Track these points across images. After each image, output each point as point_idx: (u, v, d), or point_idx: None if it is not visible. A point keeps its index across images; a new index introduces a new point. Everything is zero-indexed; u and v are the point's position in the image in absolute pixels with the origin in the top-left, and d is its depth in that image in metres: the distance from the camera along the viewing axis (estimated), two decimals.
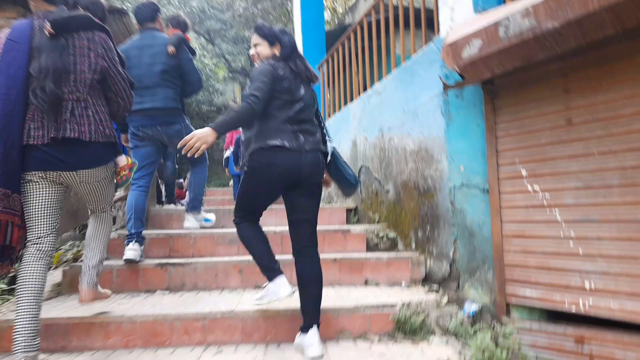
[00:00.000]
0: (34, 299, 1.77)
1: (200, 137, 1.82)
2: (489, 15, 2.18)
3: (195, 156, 1.84)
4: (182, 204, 4.35)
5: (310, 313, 2.00)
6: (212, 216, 3.53)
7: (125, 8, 5.04)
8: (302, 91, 2.10)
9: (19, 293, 1.77)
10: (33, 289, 1.78)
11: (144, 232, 2.99)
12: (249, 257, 2.37)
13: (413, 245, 3.05)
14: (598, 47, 1.95)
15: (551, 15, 1.82)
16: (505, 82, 2.33)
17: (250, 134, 2.06)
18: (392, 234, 3.28)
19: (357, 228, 3.34)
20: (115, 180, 2.10)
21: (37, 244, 1.84)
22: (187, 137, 1.83)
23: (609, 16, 1.67)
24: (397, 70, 3.34)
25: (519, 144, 2.27)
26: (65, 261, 3.38)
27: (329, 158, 2.18)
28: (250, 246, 2.15)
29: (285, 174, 2.00)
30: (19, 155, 1.75)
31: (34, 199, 1.83)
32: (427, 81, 2.91)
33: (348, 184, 2.29)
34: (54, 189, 1.87)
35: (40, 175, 1.81)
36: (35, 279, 1.80)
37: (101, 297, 2.21)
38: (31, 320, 1.75)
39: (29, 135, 1.76)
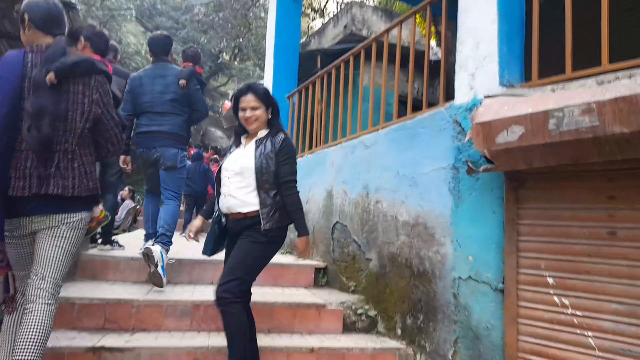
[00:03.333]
0: None
1: (307, 247, 2.21)
2: (532, 101, 1.91)
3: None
4: (119, 245, 3.60)
5: None
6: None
7: (73, 2, 4.24)
8: None
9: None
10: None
11: (73, 295, 2.32)
12: (207, 341, 2.24)
13: (398, 332, 2.67)
14: None
15: (620, 119, 1.57)
16: (535, 171, 2.07)
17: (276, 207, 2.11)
18: (372, 312, 2.88)
19: (332, 302, 2.89)
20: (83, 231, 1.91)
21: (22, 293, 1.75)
22: (302, 251, 2.21)
23: None
24: (394, 127, 3.00)
25: (547, 246, 2.00)
26: None
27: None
28: (241, 338, 1.93)
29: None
30: (2, 202, 1.64)
31: (13, 249, 1.75)
32: (433, 149, 2.60)
33: None
34: (25, 235, 1.75)
35: (19, 221, 1.71)
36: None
37: None
38: None
39: (9, 184, 1.65)
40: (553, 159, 1.83)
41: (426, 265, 2.53)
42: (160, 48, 3.35)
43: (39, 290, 1.66)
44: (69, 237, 1.75)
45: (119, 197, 6.77)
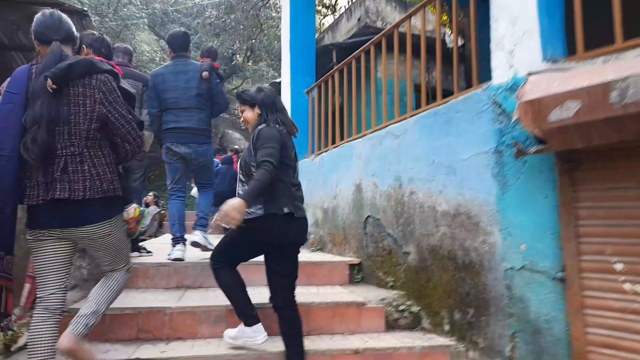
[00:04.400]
0: None
1: (232, 210, 1.88)
2: (586, 74, 1.75)
3: (234, 227, 1.94)
4: (147, 252, 3.57)
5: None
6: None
7: (86, 10, 4.24)
8: (294, 153, 2.23)
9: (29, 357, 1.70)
10: (41, 354, 1.69)
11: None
12: (245, 349, 2.25)
13: (446, 327, 2.53)
14: None
15: None
16: (591, 150, 1.90)
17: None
18: (414, 308, 2.75)
19: (371, 299, 2.77)
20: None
21: (43, 301, 1.77)
22: (222, 214, 1.89)
23: None
24: (424, 115, 2.86)
25: (612, 229, 1.83)
26: None
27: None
28: (228, 292, 2.21)
29: (282, 239, 2.11)
30: (12, 215, 1.69)
31: (40, 255, 1.78)
32: (471, 134, 2.44)
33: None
34: (59, 245, 1.78)
35: (44, 232, 1.74)
36: (43, 344, 1.70)
37: (82, 354, 1.76)
38: None
39: (24, 194, 1.71)
40: (615, 135, 1.66)
41: (472, 257, 2.38)
42: (179, 44, 3.39)
43: (108, 270, 1.93)
44: (106, 246, 1.84)
45: (142, 203, 6.80)
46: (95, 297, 1.86)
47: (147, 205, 7.89)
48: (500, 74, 2.29)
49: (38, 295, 1.78)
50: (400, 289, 2.95)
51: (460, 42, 5.84)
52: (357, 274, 3.45)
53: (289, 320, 2.15)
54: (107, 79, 1.79)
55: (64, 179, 1.67)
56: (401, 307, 2.75)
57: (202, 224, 3.38)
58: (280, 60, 6.48)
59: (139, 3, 13.57)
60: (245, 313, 2.20)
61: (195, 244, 3.26)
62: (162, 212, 8.26)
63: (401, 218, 3.01)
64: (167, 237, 6.02)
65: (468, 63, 5.90)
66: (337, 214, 3.95)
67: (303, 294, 2.94)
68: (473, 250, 2.38)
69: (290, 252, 2.17)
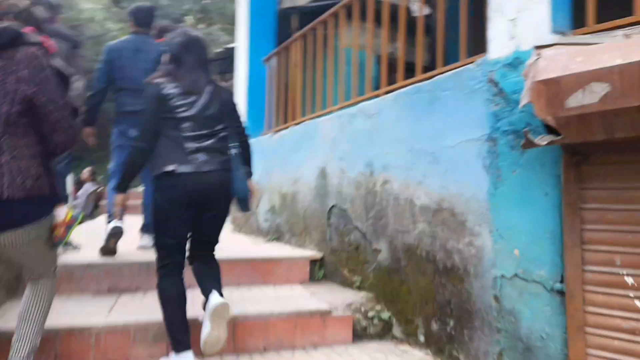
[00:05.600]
0: None
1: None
2: (616, 49, 1.41)
3: None
4: (72, 247, 2.99)
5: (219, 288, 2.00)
6: None
7: None
8: (199, 103, 1.99)
9: None
10: None
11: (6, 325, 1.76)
12: None
13: (421, 338, 2.24)
14: None
15: None
16: (603, 142, 1.60)
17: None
18: (385, 314, 2.43)
19: (338, 305, 2.41)
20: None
21: None
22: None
23: None
24: (405, 92, 2.47)
25: (624, 237, 1.56)
26: None
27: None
28: (166, 308, 1.92)
29: (185, 197, 1.92)
30: None
31: None
32: (459, 117, 2.09)
33: (241, 199, 2.13)
34: None
35: None
36: None
37: None
38: None
39: None
40: None
41: (455, 260, 2.07)
42: (144, 20, 3.16)
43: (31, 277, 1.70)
44: (28, 253, 1.60)
45: (70, 187, 6.01)
46: (27, 329, 1.62)
47: (83, 183, 7.06)
48: (499, 46, 1.93)
49: None
50: (369, 290, 2.63)
51: (426, 11, 5.49)
52: (318, 270, 3.09)
53: (209, 263, 2.10)
54: (34, 54, 1.51)
55: None
56: (370, 314, 2.42)
57: (148, 230, 3.07)
58: (234, 24, 5.83)
59: None
60: (177, 338, 1.89)
61: (142, 247, 3.08)
62: (100, 189, 7.46)
63: (372, 210, 2.66)
64: (99, 224, 5.29)
65: (433, 35, 5.59)
66: (297, 201, 3.54)
67: (259, 299, 2.54)
68: (457, 253, 2.07)
69: (203, 214, 1.98)
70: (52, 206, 1.60)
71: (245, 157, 2.17)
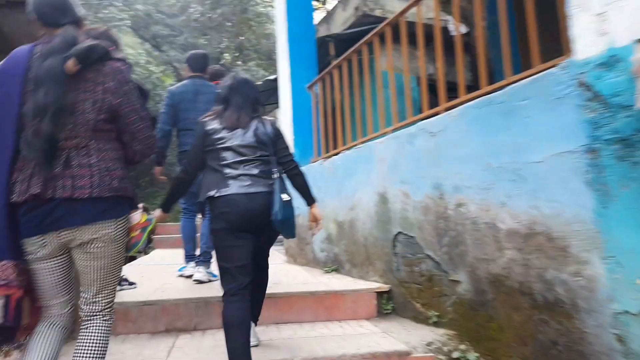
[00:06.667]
0: None
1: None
2: None
3: None
4: (129, 283, 2.98)
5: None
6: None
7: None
8: (239, 134, 2.07)
9: None
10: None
11: None
12: None
13: None
14: None
15: None
16: None
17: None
18: (472, 355, 2.14)
19: (416, 345, 2.16)
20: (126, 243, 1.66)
21: (46, 318, 1.56)
22: None
23: None
24: (474, 104, 2.25)
25: None
26: None
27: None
28: (228, 333, 1.85)
29: (234, 218, 1.95)
30: (6, 215, 1.44)
31: (35, 269, 1.52)
32: (546, 127, 1.85)
33: (283, 226, 2.03)
34: (55, 254, 1.51)
35: (36, 240, 1.47)
36: (40, 350, 1.48)
37: None
38: None
39: (12, 190, 1.46)
40: None
41: (559, 293, 1.78)
42: (199, 65, 3.34)
43: (90, 309, 1.57)
44: (104, 256, 1.53)
45: None
46: None
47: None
48: (586, 45, 1.69)
49: (42, 312, 1.57)
50: (449, 327, 2.35)
51: (464, 29, 5.29)
52: (386, 304, 2.85)
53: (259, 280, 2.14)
54: (121, 68, 1.60)
55: (66, 174, 1.46)
56: (455, 354, 2.15)
57: (206, 259, 3.22)
58: (270, 59, 5.89)
59: (120, 4, 12.82)
60: None
61: (198, 282, 3.13)
62: (153, 225, 7.58)
63: (445, 237, 2.41)
64: (155, 258, 5.37)
65: (473, 52, 5.37)
66: (355, 228, 3.35)
67: (325, 338, 2.35)
68: (560, 284, 1.78)
69: (253, 233, 1.99)
70: (131, 207, 1.65)
71: (299, 183, 2.16)
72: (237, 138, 2.05)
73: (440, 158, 2.46)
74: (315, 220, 2.20)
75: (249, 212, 1.94)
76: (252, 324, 2.18)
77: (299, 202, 2.22)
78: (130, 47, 16.31)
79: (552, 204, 1.81)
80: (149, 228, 1.82)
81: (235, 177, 1.98)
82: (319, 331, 2.52)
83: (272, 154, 2.09)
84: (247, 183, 1.97)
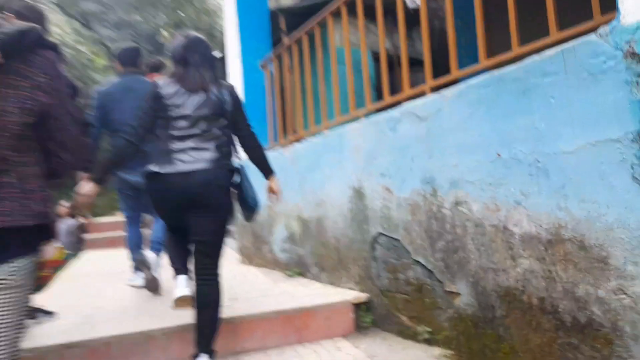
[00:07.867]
0: None
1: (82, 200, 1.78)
2: None
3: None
4: (45, 313, 2.32)
5: (203, 339, 1.82)
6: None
7: None
8: (195, 102, 1.89)
9: None
10: None
11: None
12: None
13: None
14: None
15: None
16: None
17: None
18: None
19: None
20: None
21: None
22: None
23: None
24: (473, 84, 1.87)
25: None
26: None
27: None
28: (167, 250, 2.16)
29: (172, 196, 1.87)
30: None
31: None
32: (578, 109, 1.50)
33: (248, 208, 2.06)
34: None
35: None
36: None
37: None
38: None
39: None
40: None
41: (594, 313, 1.46)
42: (130, 60, 3.13)
43: None
44: (11, 300, 1.16)
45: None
46: None
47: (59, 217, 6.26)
48: (637, 5, 1.35)
49: None
50: (445, 346, 2.00)
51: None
52: (364, 316, 2.45)
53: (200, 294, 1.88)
54: (53, 60, 1.29)
55: None
56: None
57: (157, 249, 2.95)
58: (211, 35, 5.23)
59: None
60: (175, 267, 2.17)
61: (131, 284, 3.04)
62: (84, 223, 6.64)
63: (440, 240, 2.04)
64: (86, 262, 4.47)
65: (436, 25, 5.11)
66: (324, 228, 2.90)
67: None
68: (595, 303, 1.46)
69: (194, 213, 1.86)
70: (45, 238, 1.31)
71: (259, 155, 2.08)
72: (194, 105, 1.88)
73: (433, 147, 2.06)
74: (273, 191, 2.16)
75: (189, 189, 1.83)
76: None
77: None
78: (57, 25, 14.55)
79: (585, 205, 1.48)
80: (62, 268, 1.58)
81: (184, 151, 1.85)
82: (287, 357, 2.07)
83: (230, 126, 1.97)
84: (191, 159, 1.84)
